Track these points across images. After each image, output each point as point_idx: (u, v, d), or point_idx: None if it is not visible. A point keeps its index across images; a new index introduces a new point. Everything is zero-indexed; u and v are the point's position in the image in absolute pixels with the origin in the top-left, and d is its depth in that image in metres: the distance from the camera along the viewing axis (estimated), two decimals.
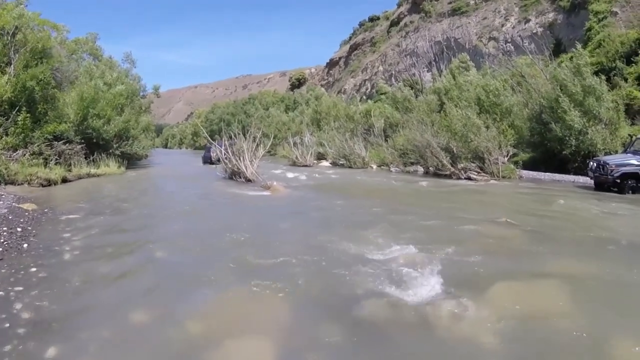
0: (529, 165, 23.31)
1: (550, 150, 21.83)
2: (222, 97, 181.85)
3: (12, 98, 18.45)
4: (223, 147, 20.99)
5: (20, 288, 5.84)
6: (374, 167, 29.32)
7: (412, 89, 43.03)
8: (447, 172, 21.80)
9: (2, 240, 7.87)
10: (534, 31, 47.11)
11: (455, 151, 22.37)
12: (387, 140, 31.79)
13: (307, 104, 63.05)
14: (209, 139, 28.07)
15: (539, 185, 18.72)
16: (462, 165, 21.56)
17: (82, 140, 21.99)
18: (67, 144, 20.61)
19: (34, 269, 6.62)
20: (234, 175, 19.92)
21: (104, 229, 9.70)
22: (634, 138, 17.47)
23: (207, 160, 30.74)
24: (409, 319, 5.10)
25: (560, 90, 20.82)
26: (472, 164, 21.52)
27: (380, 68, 70.97)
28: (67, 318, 5.13)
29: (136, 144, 30.90)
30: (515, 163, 22.85)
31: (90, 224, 10.09)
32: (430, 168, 23.61)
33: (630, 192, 15.60)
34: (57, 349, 4.40)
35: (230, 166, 20.25)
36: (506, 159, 21.99)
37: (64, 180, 18.19)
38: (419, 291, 5.81)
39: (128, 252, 8.08)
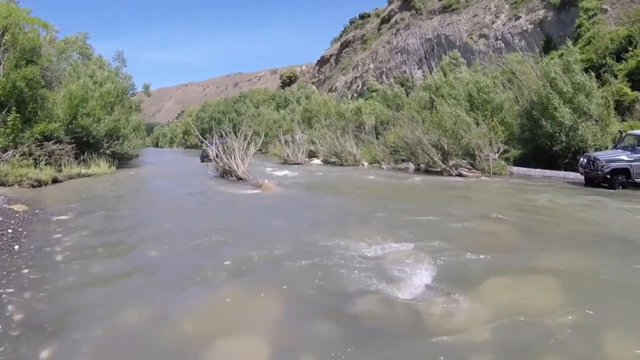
0: (520, 161, 23.39)
1: (540, 147, 21.91)
2: (213, 95, 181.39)
3: (2, 98, 18.33)
4: (214, 145, 20.92)
5: (12, 289, 5.83)
6: (366, 164, 29.32)
7: (402, 86, 43.09)
8: (438, 169, 21.85)
9: None
10: (525, 28, 47.29)
11: (446, 148, 22.42)
12: (378, 138, 31.77)
13: (298, 102, 62.94)
14: (200, 137, 27.96)
15: (530, 181, 18.81)
16: (453, 162, 21.61)
17: (72, 140, 21.84)
18: (57, 144, 20.47)
19: (25, 271, 6.60)
20: (226, 173, 19.87)
21: (95, 230, 9.67)
22: (624, 134, 17.58)
23: (205, 158, 30.69)
24: (400, 315, 5.13)
25: (551, 87, 20.92)
26: (463, 161, 21.58)
27: (371, 65, 71.00)
28: (60, 319, 5.12)
29: (127, 143, 30.69)
30: (506, 159, 22.91)
31: (82, 225, 10.06)
32: (421, 165, 23.64)
33: (620, 187, 15.71)
34: (50, 350, 4.40)
35: (221, 165, 20.21)
36: (497, 155, 22.07)
37: (55, 181, 18.07)
38: (410, 288, 5.85)
39: (120, 252, 8.07)
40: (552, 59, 26.16)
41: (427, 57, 59.28)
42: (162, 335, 4.79)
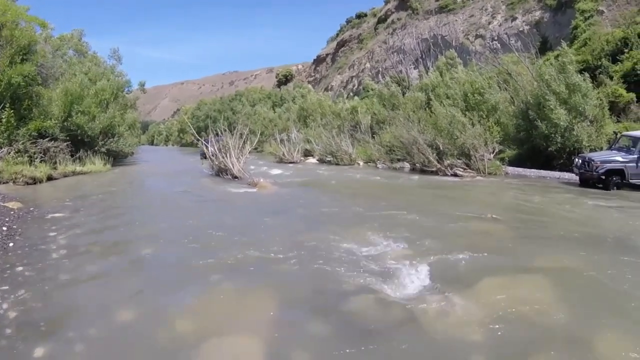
0: (515, 161, 23.43)
1: (536, 147, 21.96)
2: (208, 93, 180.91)
3: None
4: (209, 144, 20.89)
5: (6, 287, 5.82)
6: (361, 163, 29.33)
7: (399, 85, 43.08)
8: (434, 169, 21.88)
9: None
10: (521, 29, 47.29)
11: (441, 148, 22.44)
12: (374, 137, 31.80)
13: (293, 101, 62.88)
14: (197, 135, 27.91)
15: (525, 181, 18.85)
16: (448, 161, 21.64)
17: (68, 138, 21.79)
18: (52, 142, 20.42)
19: (20, 268, 6.59)
20: (221, 172, 19.87)
21: (90, 227, 9.65)
22: (618, 135, 17.68)
23: (205, 156, 30.63)
24: (396, 314, 5.15)
25: (547, 87, 20.96)
26: (459, 161, 21.61)
27: (367, 65, 70.97)
28: (55, 317, 5.12)
29: (122, 141, 30.59)
30: (501, 160, 22.92)
31: (76, 222, 10.04)
32: (416, 164, 23.65)
33: (614, 188, 15.76)
34: (44, 349, 4.39)
35: (217, 163, 20.20)
36: (492, 155, 22.10)
37: (50, 178, 18.02)
38: (405, 287, 5.87)
39: (114, 250, 8.06)
40: (547, 60, 26.23)
41: (424, 57, 59.32)
42: (156, 334, 4.79)
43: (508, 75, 27.01)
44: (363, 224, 9.75)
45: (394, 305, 5.34)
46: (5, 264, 6.71)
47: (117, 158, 30.34)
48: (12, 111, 18.47)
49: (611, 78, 25.96)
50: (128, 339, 4.71)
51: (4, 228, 8.82)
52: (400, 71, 58.26)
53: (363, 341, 4.63)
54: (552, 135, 20.29)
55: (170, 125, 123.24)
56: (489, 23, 52.82)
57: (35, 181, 16.81)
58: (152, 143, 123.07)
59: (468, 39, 54.13)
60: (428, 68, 49.68)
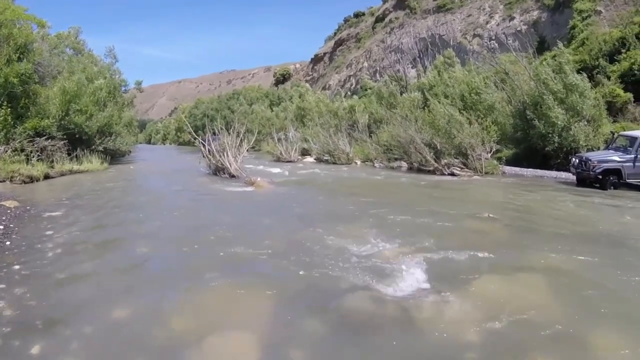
0: (512, 161, 23.49)
1: (533, 147, 22.01)
2: (206, 92, 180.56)
3: None
4: (207, 142, 20.86)
5: (3, 285, 5.82)
6: (358, 162, 29.35)
7: (397, 84, 43.11)
8: (431, 168, 21.90)
9: None
10: (518, 29, 47.39)
11: (438, 147, 22.49)
12: (371, 136, 31.83)
13: (291, 100, 62.90)
14: (194, 134, 27.87)
15: (522, 181, 18.89)
16: (445, 161, 21.68)
17: (65, 136, 21.77)
18: (49, 140, 20.39)
19: (16, 267, 6.58)
20: (218, 171, 19.87)
21: (86, 226, 9.65)
22: (615, 135, 17.72)
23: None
24: (392, 313, 5.16)
25: (544, 86, 21.00)
26: (456, 160, 21.65)
27: (365, 64, 71.04)
28: (51, 315, 5.12)
29: (119, 139, 30.59)
30: (499, 159, 23.00)
31: (73, 221, 10.03)
32: (414, 164, 23.68)
33: (611, 187, 15.82)
34: (41, 347, 4.39)
35: (214, 162, 20.19)
36: (489, 155, 22.14)
37: (46, 177, 18.00)
38: (402, 285, 5.88)
39: (110, 248, 8.06)
40: (545, 59, 26.27)
41: (421, 56, 59.42)
42: (152, 332, 4.79)
43: (505, 74, 27.06)
44: (359, 223, 9.77)
45: (390, 303, 5.35)
46: (2, 263, 6.70)
47: (114, 157, 30.35)
48: (9, 109, 18.44)
49: (608, 78, 26.03)
50: (124, 337, 4.71)
51: (1, 227, 8.82)
52: (398, 70, 58.23)
53: (359, 339, 4.65)
54: (549, 134, 20.35)
55: (167, 123, 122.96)
56: (487, 22, 52.93)
57: (32, 180, 16.78)
58: (149, 142, 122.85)
59: (466, 38, 54.23)
60: (426, 67, 49.74)
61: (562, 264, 6.93)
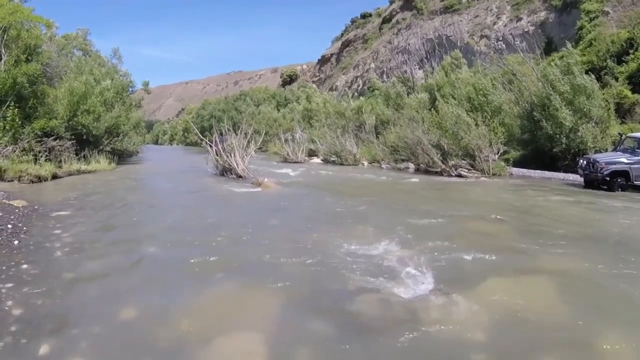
0: (519, 162, 23.43)
1: (540, 148, 21.96)
2: (213, 93, 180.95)
3: (2, 94, 18.32)
4: (214, 143, 20.89)
5: (11, 285, 5.83)
6: (365, 164, 29.37)
7: (405, 85, 43.07)
8: (438, 169, 21.89)
9: None
10: (526, 29, 47.26)
11: (446, 148, 22.47)
12: (378, 137, 31.84)
13: (297, 101, 62.96)
14: (200, 136, 27.93)
15: (529, 182, 18.83)
16: (452, 162, 21.66)
17: (72, 137, 21.86)
18: (57, 140, 20.48)
19: (25, 266, 6.61)
20: (225, 171, 19.91)
21: (94, 226, 9.68)
22: (623, 137, 17.63)
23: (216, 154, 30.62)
24: (399, 314, 5.14)
25: (552, 88, 20.94)
26: (463, 161, 21.62)
27: (372, 65, 71.02)
28: (59, 315, 5.13)
29: (127, 140, 30.77)
30: (506, 160, 22.95)
31: (81, 221, 10.06)
32: (421, 165, 23.68)
33: (619, 189, 15.74)
34: (49, 346, 4.40)
35: (221, 162, 20.24)
36: (496, 156, 22.10)
37: (54, 177, 18.06)
38: (408, 287, 5.86)
39: (118, 248, 8.07)
40: (552, 60, 26.19)
41: (428, 57, 59.32)
42: (159, 332, 4.79)
43: (513, 75, 27.00)
44: (366, 224, 9.76)
45: (397, 305, 5.34)
46: (10, 262, 6.73)
47: (121, 157, 30.51)
48: (17, 110, 18.53)
49: (616, 79, 25.95)
50: (132, 337, 4.72)
51: (9, 226, 8.85)
52: (405, 71, 58.16)
53: (365, 340, 4.64)
54: (557, 136, 20.29)
55: (174, 124, 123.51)
56: (494, 23, 52.81)
57: (40, 179, 16.85)
58: (156, 142, 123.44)
59: (473, 39, 54.15)
60: (433, 68, 49.64)
61: (570, 266, 6.90)
